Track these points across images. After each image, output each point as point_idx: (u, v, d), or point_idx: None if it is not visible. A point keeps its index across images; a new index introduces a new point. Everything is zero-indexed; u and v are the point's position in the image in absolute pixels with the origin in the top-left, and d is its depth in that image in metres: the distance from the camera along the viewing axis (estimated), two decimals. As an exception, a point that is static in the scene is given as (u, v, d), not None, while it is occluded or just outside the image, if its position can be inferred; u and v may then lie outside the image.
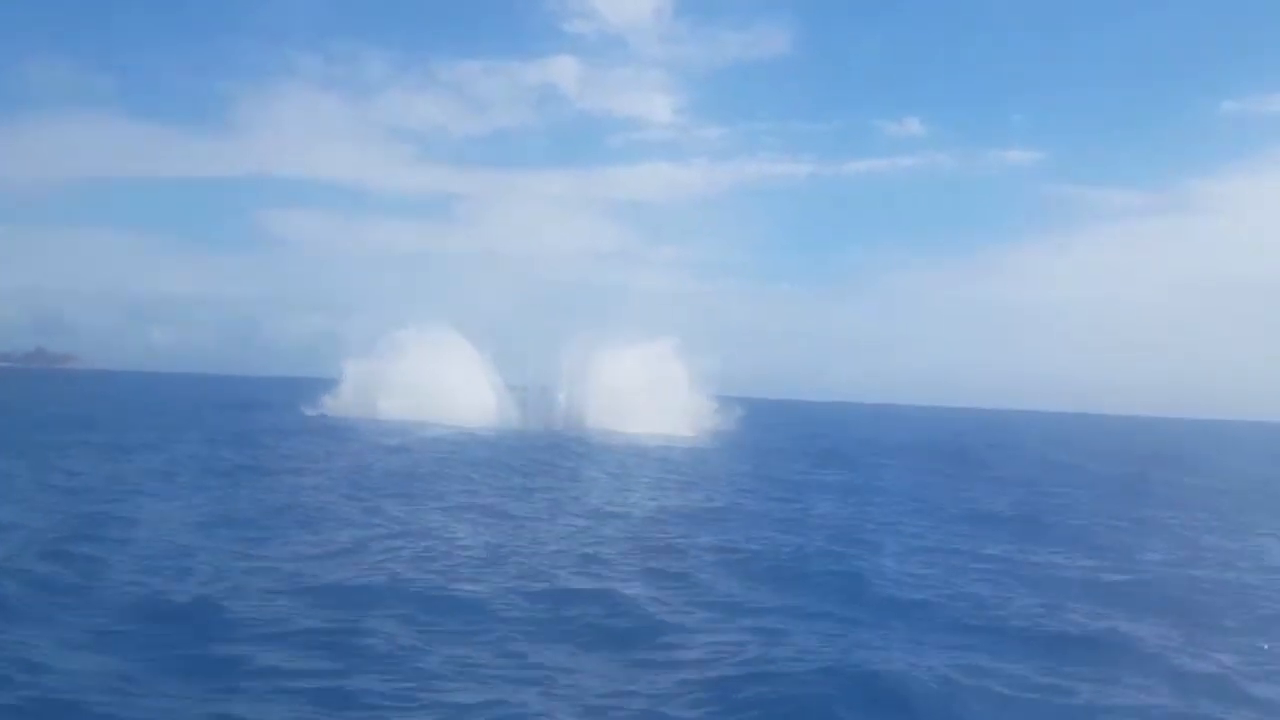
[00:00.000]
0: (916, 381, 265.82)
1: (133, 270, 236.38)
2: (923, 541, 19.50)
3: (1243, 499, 32.44)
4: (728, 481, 30.83)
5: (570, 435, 50.86)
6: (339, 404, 58.66)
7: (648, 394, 57.14)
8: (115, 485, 22.42)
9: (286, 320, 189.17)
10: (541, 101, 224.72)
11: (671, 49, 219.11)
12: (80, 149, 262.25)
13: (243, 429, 43.43)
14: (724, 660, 10.58)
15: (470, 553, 16.17)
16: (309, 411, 57.07)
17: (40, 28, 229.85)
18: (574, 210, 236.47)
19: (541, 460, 35.27)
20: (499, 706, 9.04)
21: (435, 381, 56.56)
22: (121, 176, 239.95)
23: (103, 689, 8.95)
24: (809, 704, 9.21)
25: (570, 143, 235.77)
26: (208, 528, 17.18)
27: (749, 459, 40.96)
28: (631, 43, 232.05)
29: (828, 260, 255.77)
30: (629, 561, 16.00)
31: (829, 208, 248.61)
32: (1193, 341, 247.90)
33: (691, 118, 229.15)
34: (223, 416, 54.88)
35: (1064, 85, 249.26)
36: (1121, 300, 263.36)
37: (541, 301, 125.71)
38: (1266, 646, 12.41)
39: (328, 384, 60.91)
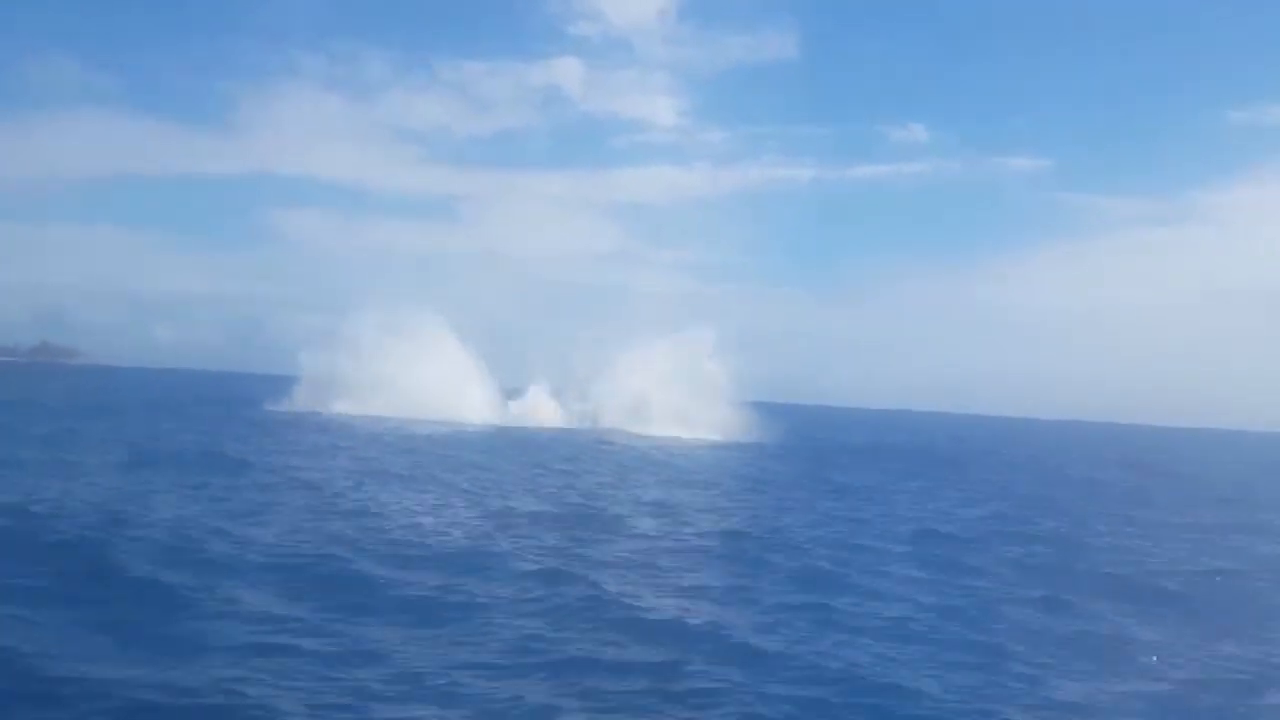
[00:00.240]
0: (918, 387, 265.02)
1: (136, 267, 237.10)
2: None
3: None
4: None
5: (590, 435, 50.53)
6: (298, 400, 57.70)
7: (679, 392, 55.58)
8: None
9: (288, 318, 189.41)
10: (545, 103, 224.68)
11: (676, 52, 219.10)
12: (85, 147, 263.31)
13: (187, 423, 44.01)
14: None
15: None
16: (271, 407, 56.66)
17: (45, 27, 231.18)
18: (576, 211, 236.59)
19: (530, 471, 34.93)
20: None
21: (404, 379, 55.61)
22: (126, 174, 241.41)
23: None
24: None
25: (573, 144, 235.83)
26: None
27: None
28: (635, 45, 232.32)
29: (830, 265, 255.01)
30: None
31: (832, 213, 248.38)
32: (1198, 351, 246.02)
33: (695, 121, 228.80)
34: (186, 412, 54.13)
35: (1070, 94, 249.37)
36: (1126, 309, 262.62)
37: (542, 302, 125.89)
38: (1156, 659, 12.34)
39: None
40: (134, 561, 13.36)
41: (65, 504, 17.67)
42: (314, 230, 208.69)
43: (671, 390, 56.55)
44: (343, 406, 55.15)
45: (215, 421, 46.22)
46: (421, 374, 56.39)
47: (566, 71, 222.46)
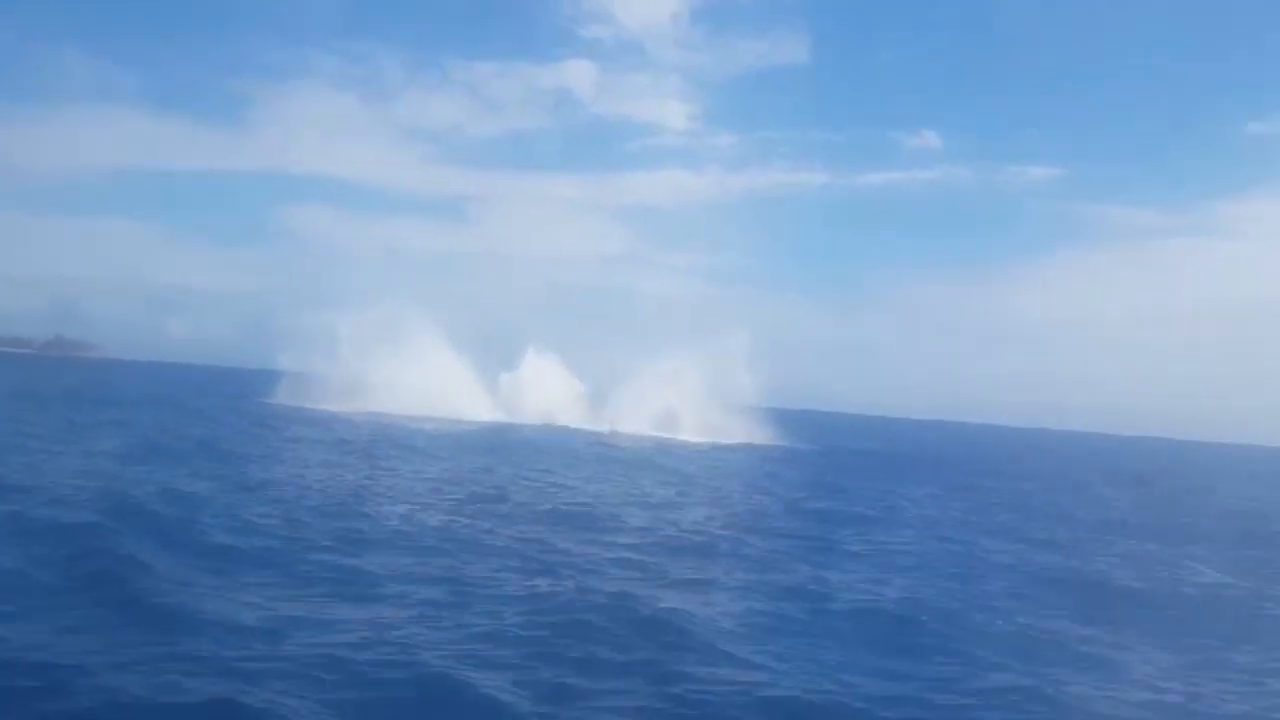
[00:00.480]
0: (928, 395, 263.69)
1: (150, 262, 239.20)
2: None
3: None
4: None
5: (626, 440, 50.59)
6: (281, 396, 58.97)
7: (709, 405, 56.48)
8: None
9: (298, 314, 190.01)
10: (556, 105, 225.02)
11: (687, 55, 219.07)
12: (101, 142, 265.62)
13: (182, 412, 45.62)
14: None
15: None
16: (267, 400, 57.94)
17: (63, 23, 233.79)
18: (586, 214, 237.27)
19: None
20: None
21: (381, 377, 56.48)
22: (141, 169, 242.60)
23: None
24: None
25: (584, 146, 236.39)
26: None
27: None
28: (647, 48, 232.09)
29: (840, 271, 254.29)
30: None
31: (843, 218, 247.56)
32: (1214, 363, 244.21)
33: (706, 124, 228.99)
34: (186, 405, 55.26)
35: (1085, 102, 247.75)
36: (1142, 320, 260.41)
37: (550, 303, 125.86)
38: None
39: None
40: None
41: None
42: (325, 227, 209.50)
43: (702, 401, 57.37)
44: (327, 404, 55.63)
45: (191, 414, 47.31)
46: (403, 373, 57.28)
47: (578, 74, 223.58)
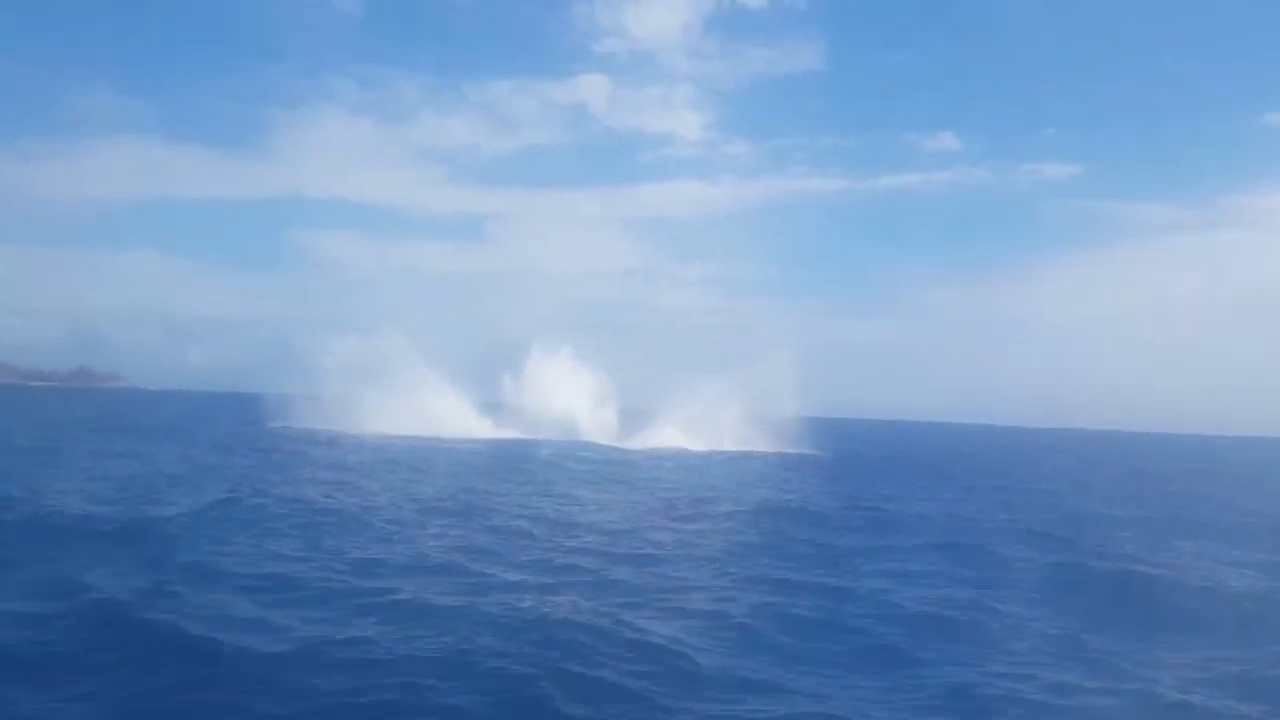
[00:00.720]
0: (950, 398, 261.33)
1: (173, 291, 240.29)
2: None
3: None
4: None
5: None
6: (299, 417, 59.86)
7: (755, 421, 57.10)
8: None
9: (319, 339, 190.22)
10: (571, 120, 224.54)
11: (700, 65, 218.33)
12: (122, 173, 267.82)
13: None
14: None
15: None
16: (275, 424, 58.93)
17: (83, 56, 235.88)
18: (603, 228, 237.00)
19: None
20: None
21: (363, 399, 58.02)
22: (162, 199, 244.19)
23: None
24: None
25: (599, 161, 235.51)
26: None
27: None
28: (660, 60, 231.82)
29: (859, 276, 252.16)
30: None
31: (861, 223, 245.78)
32: (1237, 357, 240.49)
33: (720, 134, 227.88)
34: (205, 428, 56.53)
35: (1101, 99, 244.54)
36: (1160, 317, 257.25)
37: (571, 319, 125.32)
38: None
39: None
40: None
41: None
42: (345, 251, 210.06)
43: (747, 418, 58.07)
44: (325, 425, 56.57)
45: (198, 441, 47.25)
46: (385, 395, 58.92)
47: (592, 88, 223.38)
